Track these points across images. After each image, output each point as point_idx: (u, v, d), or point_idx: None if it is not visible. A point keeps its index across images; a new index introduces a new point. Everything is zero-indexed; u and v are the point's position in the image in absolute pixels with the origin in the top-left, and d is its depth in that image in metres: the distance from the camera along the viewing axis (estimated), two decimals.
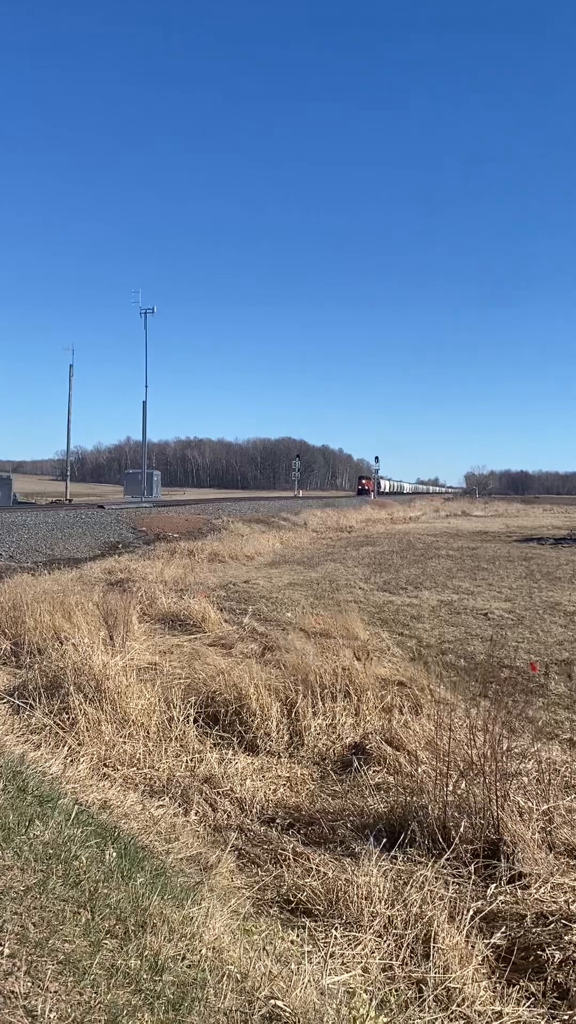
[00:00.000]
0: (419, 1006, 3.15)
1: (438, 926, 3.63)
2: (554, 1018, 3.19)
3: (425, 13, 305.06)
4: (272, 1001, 2.80)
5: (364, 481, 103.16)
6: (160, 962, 2.83)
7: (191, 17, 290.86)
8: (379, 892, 3.94)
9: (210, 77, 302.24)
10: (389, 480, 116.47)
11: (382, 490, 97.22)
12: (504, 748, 4.97)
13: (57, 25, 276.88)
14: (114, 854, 3.75)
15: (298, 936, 3.66)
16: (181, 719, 6.51)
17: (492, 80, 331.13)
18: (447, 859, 4.32)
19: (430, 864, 4.27)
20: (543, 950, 3.54)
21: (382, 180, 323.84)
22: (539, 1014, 3.21)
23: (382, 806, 5.15)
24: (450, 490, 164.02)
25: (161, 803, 5.15)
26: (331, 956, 3.45)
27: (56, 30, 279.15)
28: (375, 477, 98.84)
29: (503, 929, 3.74)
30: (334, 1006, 2.92)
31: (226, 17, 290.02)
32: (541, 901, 3.91)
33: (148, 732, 6.34)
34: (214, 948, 3.10)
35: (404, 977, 3.38)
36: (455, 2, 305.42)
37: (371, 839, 4.63)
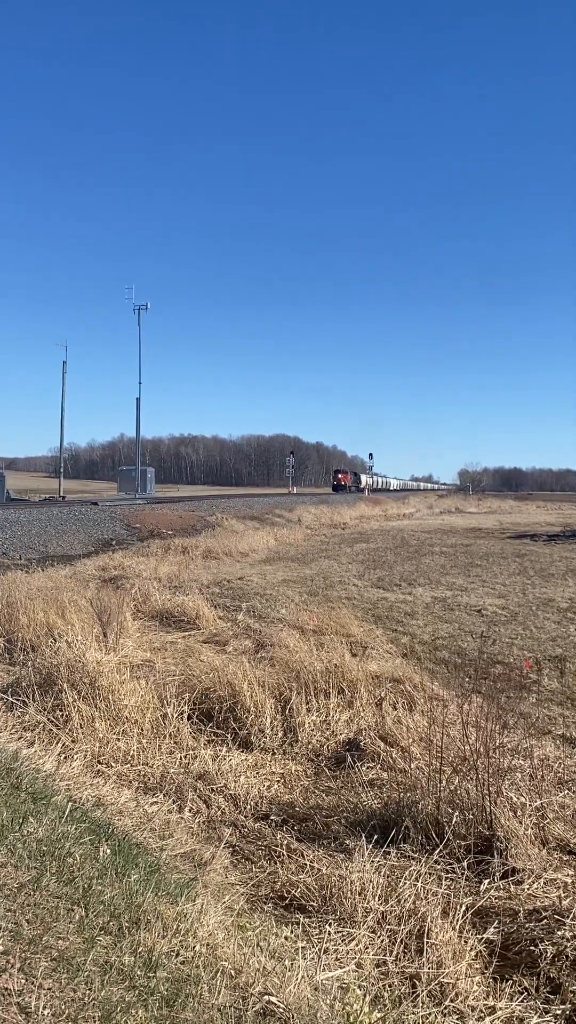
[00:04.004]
0: (412, 1001, 3.16)
1: (431, 921, 3.64)
2: (547, 1013, 3.21)
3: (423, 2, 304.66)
4: (266, 997, 2.80)
5: (340, 475, 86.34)
6: (154, 959, 2.83)
7: (191, 5, 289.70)
8: (373, 888, 3.95)
9: (209, 67, 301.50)
10: (377, 476, 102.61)
11: (361, 486, 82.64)
12: (497, 744, 4.98)
13: (53, 16, 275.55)
14: (108, 851, 3.75)
15: (292, 932, 3.67)
16: (175, 716, 6.50)
17: (492, 74, 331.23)
18: (440, 855, 4.34)
19: (423, 860, 4.28)
20: (536, 945, 3.55)
21: (377, 176, 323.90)
22: (532, 1009, 3.22)
23: (376, 802, 5.16)
24: (443, 487, 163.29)
25: (155, 800, 5.15)
26: (325, 952, 3.46)
27: (51, 21, 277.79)
28: (368, 472, 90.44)
29: (496, 924, 3.75)
30: (328, 1002, 2.92)
31: (226, 8, 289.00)
32: (534, 896, 3.93)
33: (142, 729, 6.34)
34: (208, 944, 3.10)
35: (398, 972, 3.39)
36: None
37: (364, 835, 4.64)
